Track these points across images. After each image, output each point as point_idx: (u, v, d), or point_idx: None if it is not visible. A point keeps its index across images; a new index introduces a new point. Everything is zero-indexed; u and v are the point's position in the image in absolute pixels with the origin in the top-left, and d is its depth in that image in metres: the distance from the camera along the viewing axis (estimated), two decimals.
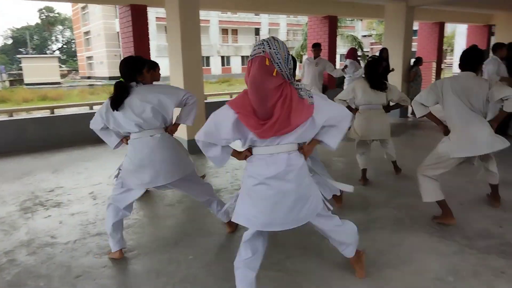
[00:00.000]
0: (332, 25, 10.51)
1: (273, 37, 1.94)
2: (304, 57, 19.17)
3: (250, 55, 1.92)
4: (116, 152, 6.01)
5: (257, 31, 41.17)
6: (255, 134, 1.92)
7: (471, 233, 3.08)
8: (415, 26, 10.09)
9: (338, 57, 10.56)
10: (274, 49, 1.87)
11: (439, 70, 13.39)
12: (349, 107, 4.29)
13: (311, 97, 1.94)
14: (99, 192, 4.38)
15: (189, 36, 5.80)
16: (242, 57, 39.74)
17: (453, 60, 19.76)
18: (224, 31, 39.38)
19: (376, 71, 4.21)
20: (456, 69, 17.56)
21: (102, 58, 41.10)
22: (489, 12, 12.44)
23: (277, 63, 1.86)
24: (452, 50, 27.84)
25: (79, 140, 6.76)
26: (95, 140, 7.23)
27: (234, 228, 3.26)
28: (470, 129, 3.12)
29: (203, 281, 2.57)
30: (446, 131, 3.31)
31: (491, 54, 6.52)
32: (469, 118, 3.12)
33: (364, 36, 37.11)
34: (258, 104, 1.87)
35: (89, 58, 45.43)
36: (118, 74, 2.74)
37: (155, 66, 3.19)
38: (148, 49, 7.64)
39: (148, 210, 3.88)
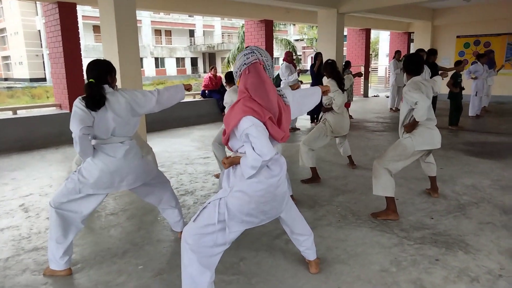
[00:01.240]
0: (269, 29, 10.75)
1: (257, 47, 2.11)
2: None
3: (245, 63, 2.04)
4: (44, 159, 5.58)
5: (191, 33, 40.70)
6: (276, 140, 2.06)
7: (407, 226, 3.34)
8: (344, 32, 10.68)
9: (274, 60, 10.89)
10: (264, 57, 2.08)
11: (367, 74, 14.31)
12: (330, 108, 4.60)
13: (285, 97, 2.14)
14: (31, 204, 4.03)
15: (126, 36, 5.57)
16: (177, 58, 38.98)
17: (378, 64, 21.20)
18: (157, 32, 38.33)
19: (339, 72, 4.56)
20: (381, 73, 18.88)
21: (22, 59, 37.67)
22: (408, 21, 13.58)
23: (268, 69, 2.09)
24: (376, 55, 29.94)
25: (2, 149, 6.16)
26: (20, 148, 6.68)
27: None
28: (430, 125, 3.49)
29: None
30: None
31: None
32: (429, 116, 3.47)
33: (297, 40, 38.33)
34: (271, 104, 1.99)
35: (6, 58, 41.37)
36: (40, 76, 2.55)
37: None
38: (79, 49, 7.22)
39: (89, 220, 3.65)
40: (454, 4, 11.66)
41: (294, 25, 33.21)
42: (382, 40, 22.28)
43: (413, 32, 14.35)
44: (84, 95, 2.48)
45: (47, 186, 4.62)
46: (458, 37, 12.45)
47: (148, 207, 3.83)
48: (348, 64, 9.62)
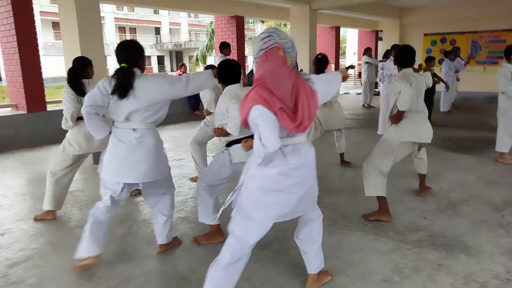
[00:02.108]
0: (240, 25, 10.47)
1: (276, 28, 1.92)
2: (213, 58, 18.92)
3: (261, 49, 1.85)
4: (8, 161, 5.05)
5: (157, 30, 39.64)
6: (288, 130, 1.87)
7: (401, 228, 3.15)
8: None
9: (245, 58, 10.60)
10: (284, 39, 1.86)
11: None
12: None
13: (313, 82, 1.92)
14: None
15: (89, 33, 5.11)
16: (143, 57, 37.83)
17: (345, 61, 21.45)
18: (121, 30, 37.02)
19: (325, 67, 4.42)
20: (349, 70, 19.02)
21: None
22: (376, 19, 13.69)
23: (288, 52, 1.86)
24: (344, 53, 30.29)
25: None
26: None
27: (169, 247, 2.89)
28: (417, 117, 3.36)
29: None
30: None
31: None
32: (416, 109, 3.35)
33: None
34: (284, 93, 1.81)
35: None
36: None
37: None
38: (36, 46, 6.60)
39: (51, 236, 3.22)
40: (421, 3, 11.84)
41: (263, 22, 33.16)
42: (350, 38, 22.55)
43: (381, 30, 14.50)
44: (114, 76, 2.41)
45: (2, 196, 4.12)
46: (425, 35, 12.67)
47: (118, 217, 3.44)
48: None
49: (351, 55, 22.63)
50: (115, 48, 2.54)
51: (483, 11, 11.19)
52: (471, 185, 4.15)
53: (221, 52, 6.95)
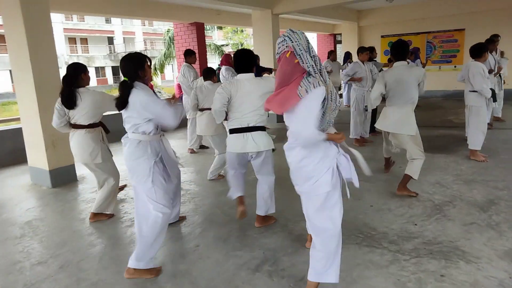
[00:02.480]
0: (200, 32, 10.18)
1: (291, 30, 2.06)
2: (172, 66, 18.36)
3: (277, 53, 2.11)
4: None
5: (110, 40, 38.29)
6: None
7: (394, 236, 3.03)
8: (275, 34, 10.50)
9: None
10: (296, 42, 2.02)
11: None
12: None
13: (307, 92, 1.97)
14: None
15: (39, 44, 4.63)
16: (96, 68, 36.25)
17: None
18: (72, 40, 35.36)
19: None
20: None
21: None
22: (335, 22, 13.88)
23: (299, 54, 2.00)
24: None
25: None
26: None
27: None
28: (394, 107, 3.88)
29: None
30: None
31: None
32: (396, 101, 3.85)
33: (222, 45, 38.05)
34: (275, 85, 2.12)
35: None
36: None
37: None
38: None
39: (9, 273, 2.79)
40: (377, 5, 12.12)
41: (221, 28, 32.91)
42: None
43: (339, 34, 14.72)
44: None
45: None
46: (382, 36, 12.99)
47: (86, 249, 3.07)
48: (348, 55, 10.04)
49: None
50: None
51: (435, 12, 11.62)
52: (451, 185, 4.13)
53: (186, 61, 6.62)
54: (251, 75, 3.11)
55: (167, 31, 20.18)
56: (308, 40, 2.07)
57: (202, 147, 6.69)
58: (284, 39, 2.04)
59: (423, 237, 3.00)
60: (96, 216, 3.69)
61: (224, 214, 3.72)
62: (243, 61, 3.09)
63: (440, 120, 8.25)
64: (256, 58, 3.27)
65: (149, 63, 2.73)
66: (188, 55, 6.55)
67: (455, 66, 11.87)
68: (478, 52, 4.75)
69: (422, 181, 4.31)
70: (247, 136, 3.08)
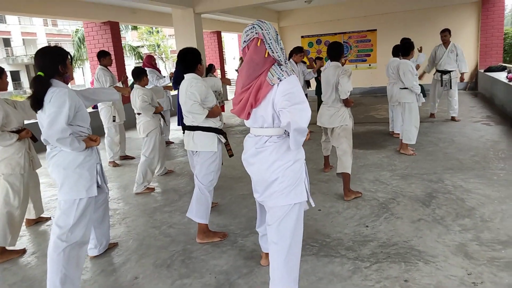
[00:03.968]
0: (115, 31, 9.39)
1: (260, 20, 1.95)
2: (82, 69, 16.96)
3: (244, 41, 1.94)
4: None
5: (7, 42, 34.22)
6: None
7: (349, 242, 2.90)
8: None
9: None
10: (265, 30, 1.90)
11: (223, 76, 14.12)
12: None
13: (279, 79, 1.86)
14: None
15: None
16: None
17: (226, 66, 21.55)
18: None
19: None
20: (232, 75, 19.12)
21: None
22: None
23: (268, 43, 1.89)
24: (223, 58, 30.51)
25: None
26: None
27: None
28: (322, 107, 4.13)
29: None
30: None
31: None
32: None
33: (138, 47, 36.25)
34: (243, 78, 1.95)
35: None
36: None
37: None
38: None
39: None
40: (296, 6, 12.35)
41: (136, 28, 31.37)
42: (228, 43, 22.73)
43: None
44: None
45: None
46: (302, 37, 13.29)
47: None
48: (211, 67, 9.07)
49: (231, 59, 22.86)
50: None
51: (350, 13, 12.20)
52: (389, 181, 4.19)
53: (100, 63, 5.90)
54: (192, 75, 3.11)
55: (76, 32, 18.54)
56: (277, 32, 1.96)
57: (125, 157, 6.08)
58: (253, 26, 1.91)
59: (377, 239, 2.91)
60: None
61: (162, 234, 3.29)
62: (184, 61, 3.08)
63: (363, 116, 8.58)
64: (198, 56, 3.17)
65: (70, 60, 2.45)
66: (102, 56, 5.82)
67: (369, 65, 12.58)
68: (406, 50, 4.94)
69: (362, 179, 4.33)
70: (190, 134, 3.14)
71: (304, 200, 2.01)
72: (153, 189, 4.48)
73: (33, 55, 2.37)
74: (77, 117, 2.36)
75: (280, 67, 1.89)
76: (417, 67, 5.86)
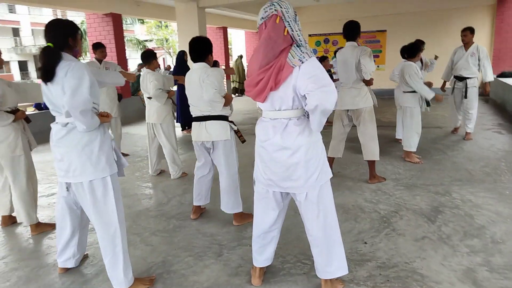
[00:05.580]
0: (117, 24, 9.17)
1: None
2: (87, 61, 16.93)
3: (262, 18, 1.92)
4: None
5: (16, 32, 34.26)
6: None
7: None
8: None
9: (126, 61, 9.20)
10: (284, 8, 1.88)
11: (228, 74, 13.87)
12: None
13: (301, 61, 1.83)
14: None
15: None
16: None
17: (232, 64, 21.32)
18: None
19: None
20: None
21: None
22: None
23: (288, 21, 1.87)
24: (231, 55, 30.29)
25: None
26: None
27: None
28: (342, 89, 4.04)
29: None
30: None
31: None
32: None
33: (145, 41, 36.11)
34: (260, 58, 1.90)
35: None
36: None
37: None
38: None
39: None
40: (305, 4, 12.06)
41: (142, 22, 31.30)
42: (235, 39, 22.45)
43: None
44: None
45: None
46: (310, 35, 12.98)
47: None
48: (215, 64, 8.84)
49: (237, 57, 22.59)
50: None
51: (359, 13, 11.86)
52: (393, 191, 3.91)
53: (95, 57, 5.64)
54: (204, 64, 3.11)
55: (81, 23, 18.41)
56: (295, 12, 1.94)
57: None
58: (273, 4, 1.88)
59: (376, 259, 2.64)
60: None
61: (144, 242, 3.05)
62: (195, 49, 3.07)
63: None
64: (210, 46, 3.16)
65: (80, 35, 2.39)
66: (96, 48, 5.54)
67: (378, 66, 12.24)
68: (413, 52, 4.65)
69: (363, 187, 4.06)
70: (202, 125, 3.11)
71: (331, 176, 2.13)
72: (186, 174, 4.73)
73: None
74: (91, 92, 2.22)
75: (299, 49, 1.86)
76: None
